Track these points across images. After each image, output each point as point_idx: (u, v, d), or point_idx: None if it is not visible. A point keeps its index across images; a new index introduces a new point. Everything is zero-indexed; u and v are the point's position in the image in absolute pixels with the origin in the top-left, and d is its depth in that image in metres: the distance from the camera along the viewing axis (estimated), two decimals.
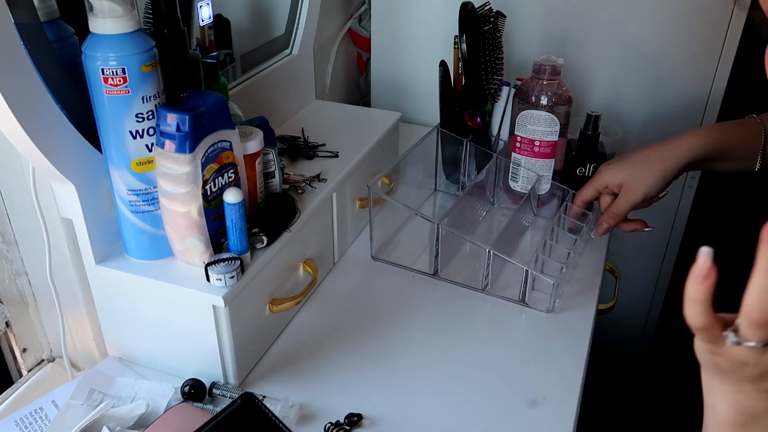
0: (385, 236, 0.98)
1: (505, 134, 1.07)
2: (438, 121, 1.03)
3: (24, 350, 0.81)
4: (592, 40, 1.14)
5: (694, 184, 1.21)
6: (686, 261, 1.30)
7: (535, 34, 1.18)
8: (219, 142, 0.65)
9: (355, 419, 0.67)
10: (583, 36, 1.15)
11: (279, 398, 0.68)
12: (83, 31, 0.59)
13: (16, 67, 0.55)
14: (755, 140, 0.79)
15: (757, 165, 0.79)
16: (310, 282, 0.80)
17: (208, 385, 0.71)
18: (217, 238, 0.68)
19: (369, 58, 1.35)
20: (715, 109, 1.13)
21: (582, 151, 0.98)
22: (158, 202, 0.66)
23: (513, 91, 1.04)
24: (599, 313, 0.88)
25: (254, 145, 0.71)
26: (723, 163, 0.82)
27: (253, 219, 0.72)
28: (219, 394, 0.70)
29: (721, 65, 1.10)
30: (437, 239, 0.86)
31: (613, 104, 1.19)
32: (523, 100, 0.94)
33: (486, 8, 0.97)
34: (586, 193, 0.88)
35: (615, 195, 0.87)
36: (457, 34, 0.96)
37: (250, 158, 0.71)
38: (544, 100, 0.92)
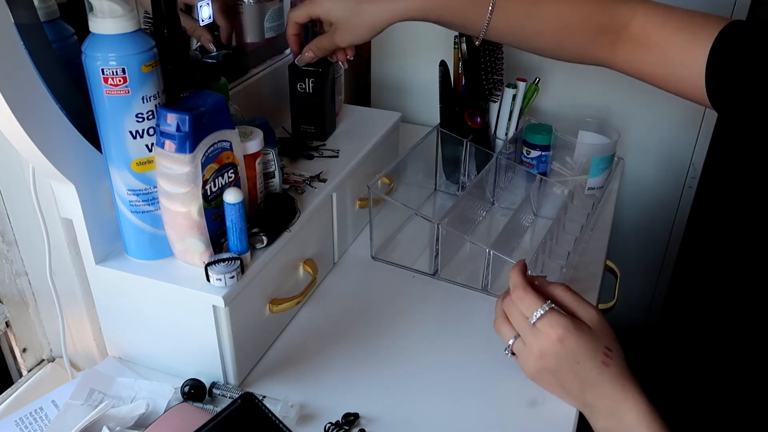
0: (385, 236, 0.98)
1: (501, 133, 1.07)
2: (438, 121, 1.03)
3: (24, 350, 0.81)
4: None
5: (694, 184, 1.21)
6: (686, 261, 1.31)
7: None
8: (219, 142, 0.65)
9: (351, 418, 0.67)
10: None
11: (279, 398, 0.68)
12: (83, 31, 0.59)
13: (16, 67, 0.55)
14: (480, 7, 0.73)
15: (478, 39, 0.75)
16: (310, 282, 0.80)
17: (207, 385, 0.71)
18: (217, 238, 0.68)
19: (369, 58, 1.35)
20: (713, 114, 1.13)
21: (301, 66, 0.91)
22: (158, 202, 0.66)
23: (511, 91, 1.04)
24: None
25: (254, 145, 0.71)
26: (442, 22, 0.77)
27: (253, 219, 0.72)
28: (219, 394, 0.70)
29: None
30: (437, 239, 0.86)
31: (610, 104, 1.19)
32: None
33: None
34: (298, 14, 0.80)
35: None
36: (457, 34, 0.96)
37: (250, 158, 0.71)
38: None
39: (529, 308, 0.65)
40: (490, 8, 0.72)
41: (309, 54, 0.83)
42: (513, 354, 0.68)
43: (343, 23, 0.77)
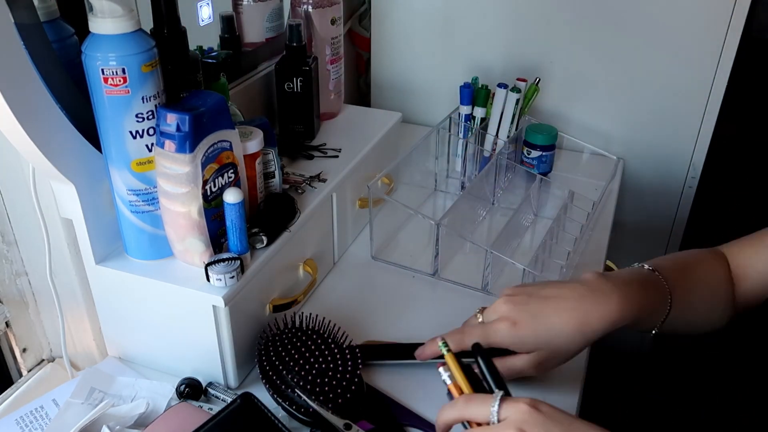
0: (385, 236, 0.98)
1: (504, 134, 1.07)
2: (438, 120, 1.03)
3: (24, 350, 0.81)
4: (590, 45, 1.14)
5: (694, 184, 1.21)
6: None
7: (533, 36, 1.17)
8: (219, 142, 0.65)
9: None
10: (582, 38, 1.15)
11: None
12: (83, 31, 0.59)
13: (16, 67, 0.55)
14: (663, 304, 0.69)
15: (655, 330, 0.71)
16: (310, 282, 0.80)
17: (204, 385, 0.71)
18: (217, 238, 0.68)
19: (369, 58, 1.35)
20: (713, 114, 1.13)
21: (288, 65, 0.91)
22: (158, 202, 0.66)
23: (515, 96, 1.04)
24: None
25: (254, 145, 0.71)
26: (631, 328, 0.69)
27: (253, 219, 0.72)
28: (213, 395, 0.71)
29: (720, 69, 1.10)
30: (437, 239, 0.86)
31: (610, 104, 1.19)
32: None
33: None
34: (468, 338, 0.65)
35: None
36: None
37: (250, 158, 0.71)
38: None
39: (482, 411, 0.53)
40: (669, 299, 0.68)
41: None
42: None
43: (539, 351, 0.65)
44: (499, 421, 0.52)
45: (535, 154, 1.08)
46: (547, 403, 0.53)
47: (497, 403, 0.53)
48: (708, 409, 0.62)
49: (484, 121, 1.07)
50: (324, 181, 0.86)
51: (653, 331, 0.70)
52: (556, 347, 0.64)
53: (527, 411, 0.52)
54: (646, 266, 0.70)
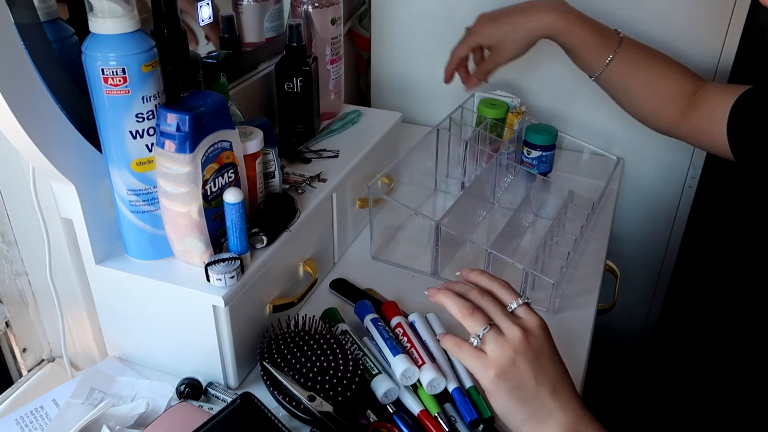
0: (385, 236, 0.98)
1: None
2: (438, 120, 1.03)
3: (24, 350, 0.81)
4: None
5: (694, 184, 1.21)
6: (686, 261, 1.30)
7: None
8: (219, 142, 0.65)
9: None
10: None
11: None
12: (83, 31, 0.59)
13: (16, 67, 0.55)
14: (605, 49, 0.88)
15: (597, 72, 0.89)
16: (310, 282, 0.80)
17: (204, 385, 0.71)
18: (217, 238, 0.68)
19: (369, 58, 1.35)
20: None
21: (288, 65, 0.92)
22: (158, 202, 0.66)
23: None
24: (599, 313, 0.88)
25: (254, 145, 0.71)
26: (569, 53, 0.92)
27: (253, 219, 0.72)
28: (213, 395, 0.71)
29: (720, 69, 1.10)
30: (437, 239, 0.86)
31: (610, 104, 1.19)
32: None
33: None
34: (461, 50, 0.95)
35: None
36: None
37: (251, 158, 0.71)
38: None
39: (509, 297, 0.61)
40: (614, 50, 0.87)
41: (475, 80, 0.97)
42: (479, 350, 0.59)
43: (501, 43, 0.90)
44: (512, 312, 0.59)
45: (535, 154, 1.08)
46: (543, 333, 0.59)
47: (522, 302, 0.60)
48: (708, 404, 0.62)
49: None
50: (324, 181, 0.86)
51: (592, 77, 0.90)
52: (508, 44, 0.91)
53: (537, 325, 0.58)
54: (618, 30, 0.90)
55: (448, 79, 0.99)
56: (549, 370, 0.57)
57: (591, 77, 0.91)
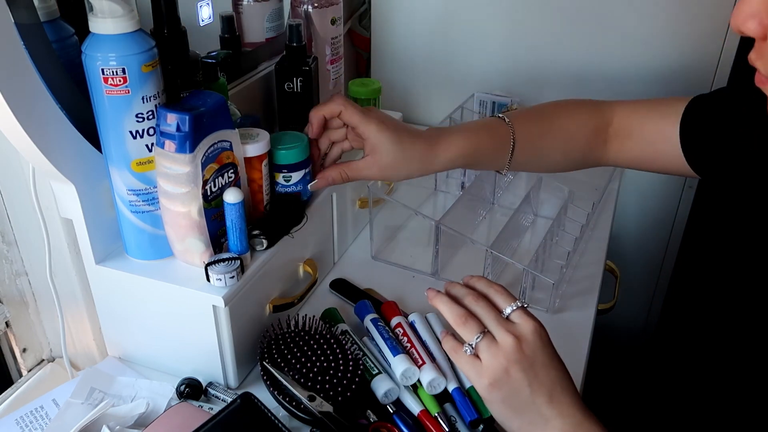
0: (385, 236, 0.98)
1: None
2: (438, 120, 1.02)
3: (24, 350, 0.81)
4: (590, 45, 1.14)
5: (694, 184, 1.21)
6: (686, 261, 1.30)
7: (534, 36, 1.17)
8: (219, 142, 0.65)
9: None
10: (582, 38, 1.15)
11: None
12: (83, 31, 0.59)
13: (16, 67, 0.55)
14: (504, 148, 0.78)
15: (504, 168, 0.80)
16: (310, 282, 0.80)
17: (204, 385, 0.71)
18: (217, 238, 0.68)
19: (369, 58, 1.35)
20: None
21: (288, 65, 0.90)
22: (158, 202, 0.66)
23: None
24: (599, 313, 0.88)
25: (261, 147, 0.71)
26: (475, 167, 0.85)
27: (258, 220, 0.72)
28: (213, 395, 0.71)
29: (720, 69, 1.10)
30: (437, 239, 0.86)
31: None
32: None
33: None
34: (351, 116, 0.73)
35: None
36: None
37: (257, 160, 0.71)
38: None
39: (505, 302, 0.60)
40: (511, 143, 0.78)
41: (329, 180, 0.76)
42: (475, 356, 0.58)
43: (386, 157, 0.73)
44: (507, 318, 0.58)
45: (296, 177, 0.81)
46: (538, 339, 0.57)
47: (516, 306, 0.59)
48: (708, 404, 0.62)
49: None
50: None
51: (504, 171, 0.81)
52: (397, 162, 0.74)
53: (532, 331, 0.57)
54: (500, 115, 0.81)
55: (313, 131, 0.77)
56: (544, 377, 0.56)
57: (502, 173, 0.82)
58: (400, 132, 0.74)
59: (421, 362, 0.69)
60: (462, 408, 0.67)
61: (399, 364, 0.69)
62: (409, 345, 0.72)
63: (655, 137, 0.77)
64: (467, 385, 0.69)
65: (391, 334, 0.73)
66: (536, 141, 0.80)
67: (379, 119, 0.73)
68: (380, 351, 0.72)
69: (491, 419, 0.66)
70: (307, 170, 0.77)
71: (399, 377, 0.68)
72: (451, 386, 0.69)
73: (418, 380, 0.69)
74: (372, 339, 0.74)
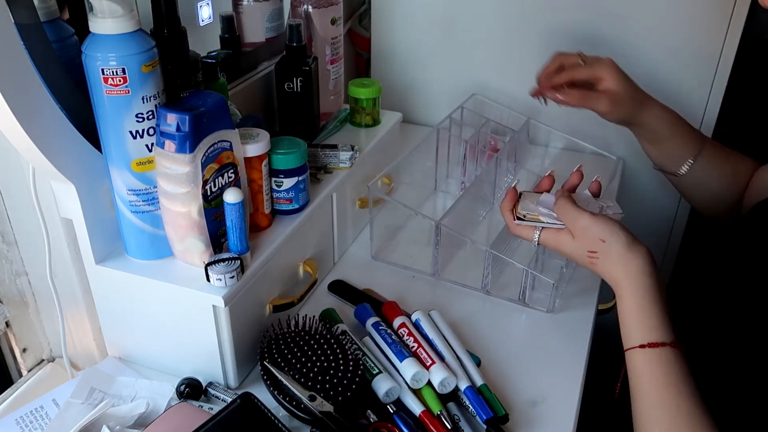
0: (385, 236, 0.98)
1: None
2: (438, 120, 1.02)
3: (24, 350, 0.81)
4: (590, 45, 1.14)
5: None
6: (686, 261, 1.30)
7: (534, 36, 1.17)
8: (219, 142, 0.65)
9: None
10: (582, 38, 1.15)
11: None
12: (83, 31, 0.59)
13: (16, 67, 0.55)
14: (693, 146, 0.90)
15: (684, 166, 0.91)
16: (310, 282, 0.80)
17: (204, 385, 0.71)
18: (217, 238, 0.68)
19: (369, 58, 1.35)
20: (713, 114, 1.13)
21: (288, 65, 0.90)
22: (158, 202, 0.66)
23: None
24: (599, 313, 0.88)
25: (261, 147, 0.71)
26: (657, 146, 0.93)
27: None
28: (213, 395, 0.71)
29: (720, 69, 1.10)
30: (437, 239, 0.86)
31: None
32: None
33: None
34: (579, 74, 0.90)
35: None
36: None
37: (257, 160, 0.71)
38: None
39: (528, 237, 0.76)
40: (699, 147, 0.90)
41: (562, 98, 0.89)
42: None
43: (620, 97, 0.87)
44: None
45: (289, 183, 0.77)
46: (557, 244, 0.74)
47: (537, 235, 0.76)
48: (709, 404, 0.62)
49: None
50: (330, 172, 0.86)
51: (680, 171, 0.91)
52: (621, 101, 0.89)
53: (551, 247, 0.75)
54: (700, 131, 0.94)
55: (538, 93, 0.93)
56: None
57: (678, 174, 0.92)
58: (628, 79, 0.90)
59: (430, 362, 0.69)
60: (476, 406, 0.67)
61: (407, 369, 0.68)
62: (415, 345, 0.72)
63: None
64: (478, 383, 0.69)
65: (394, 337, 0.73)
66: (718, 162, 0.91)
67: (613, 64, 0.89)
68: (386, 356, 0.72)
69: (506, 417, 0.67)
70: (301, 178, 0.77)
71: (409, 382, 0.68)
72: (463, 385, 0.68)
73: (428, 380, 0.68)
74: (375, 343, 0.74)
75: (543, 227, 0.75)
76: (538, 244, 0.75)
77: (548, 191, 0.79)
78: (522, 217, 0.76)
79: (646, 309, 0.68)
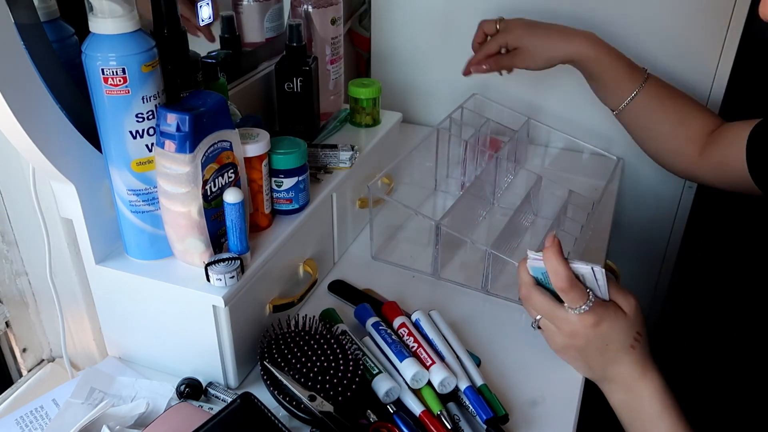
0: (385, 236, 0.98)
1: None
2: (438, 120, 1.02)
3: (24, 350, 0.81)
4: None
5: (694, 184, 1.21)
6: (686, 261, 1.30)
7: None
8: (219, 142, 0.65)
9: None
10: None
11: None
12: (83, 31, 0.59)
13: (16, 67, 0.55)
14: (632, 83, 0.91)
15: (619, 106, 0.92)
16: (310, 282, 0.80)
17: (204, 385, 0.71)
18: (217, 238, 0.68)
19: (369, 58, 1.35)
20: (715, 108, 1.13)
21: (288, 65, 0.90)
22: (158, 202, 0.66)
23: None
24: None
25: (261, 147, 0.71)
26: (596, 82, 0.95)
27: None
28: (213, 395, 0.71)
29: (720, 69, 1.10)
30: (437, 239, 0.86)
31: (608, 115, 1.19)
32: None
33: None
34: (492, 47, 0.97)
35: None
36: None
37: (257, 160, 0.71)
38: None
39: (574, 302, 0.65)
40: (640, 84, 0.90)
41: (485, 67, 0.98)
42: (539, 327, 0.71)
43: (530, 51, 0.93)
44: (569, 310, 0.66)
45: (289, 183, 0.77)
46: (613, 321, 0.66)
47: (588, 306, 0.65)
48: (709, 404, 0.62)
49: None
50: (330, 172, 0.86)
51: (615, 111, 0.93)
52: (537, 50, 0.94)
53: (587, 326, 0.65)
54: (644, 67, 0.93)
55: (468, 72, 1.01)
56: (596, 356, 0.68)
57: (614, 111, 0.94)
58: (535, 26, 0.95)
59: (430, 362, 0.69)
60: (476, 406, 0.67)
61: (408, 369, 0.68)
62: (415, 345, 0.72)
63: (726, 150, 0.84)
64: (478, 383, 0.69)
65: (394, 337, 0.73)
66: (658, 102, 0.90)
67: (516, 27, 0.94)
68: (386, 357, 0.72)
69: (506, 417, 0.67)
70: (301, 178, 0.77)
71: (409, 382, 0.68)
72: (463, 385, 0.68)
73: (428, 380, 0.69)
74: (375, 343, 0.74)
75: (594, 296, 0.66)
76: (584, 311, 0.66)
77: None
78: (583, 275, 0.65)
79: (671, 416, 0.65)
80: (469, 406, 0.67)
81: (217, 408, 0.65)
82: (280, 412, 0.65)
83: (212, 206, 0.66)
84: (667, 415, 0.64)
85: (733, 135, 0.84)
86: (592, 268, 0.64)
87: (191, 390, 0.70)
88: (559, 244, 0.65)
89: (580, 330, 0.66)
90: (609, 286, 0.66)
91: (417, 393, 0.69)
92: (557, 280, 0.64)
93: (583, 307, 0.65)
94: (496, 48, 0.97)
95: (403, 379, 0.69)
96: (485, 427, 0.66)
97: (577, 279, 0.64)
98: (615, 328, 0.66)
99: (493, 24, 0.98)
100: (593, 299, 0.65)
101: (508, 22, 0.97)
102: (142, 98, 0.60)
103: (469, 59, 1.01)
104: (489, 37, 0.99)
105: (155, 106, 0.61)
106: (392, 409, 0.67)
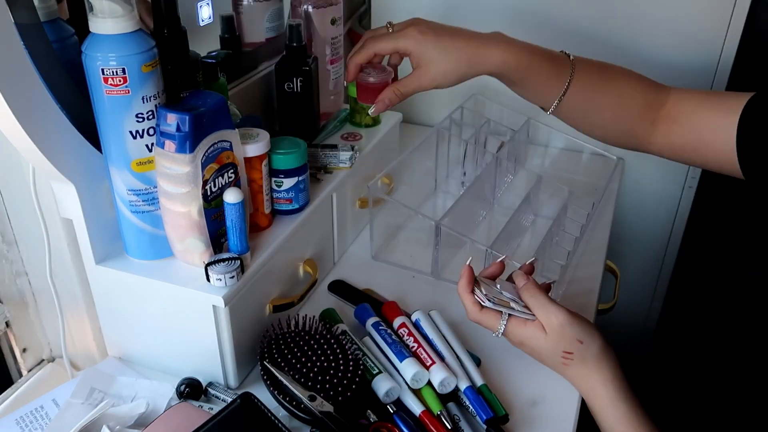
0: (385, 236, 0.98)
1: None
2: (438, 120, 1.02)
3: (24, 350, 0.81)
4: (590, 45, 1.14)
5: (694, 184, 1.21)
6: (686, 261, 1.30)
7: (534, 36, 1.17)
8: (219, 142, 0.65)
9: None
10: (582, 38, 1.15)
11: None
12: (83, 31, 0.59)
13: (16, 67, 0.55)
14: (559, 81, 0.76)
15: (551, 107, 0.77)
16: (310, 282, 0.80)
17: (204, 385, 0.71)
18: (217, 238, 0.68)
19: None
20: None
21: (288, 65, 0.90)
22: (158, 202, 0.66)
23: None
24: (599, 313, 0.88)
25: (261, 147, 0.71)
26: (519, 89, 0.79)
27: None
28: (213, 395, 0.71)
29: (717, 80, 1.10)
30: (437, 239, 0.86)
31: None
32: None
33: None
34: (384, 47, 0.76)
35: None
36: None
37: (257, 160, 0.71)
38: None
39: (491, 328, 0.69)
40: (568, 80, 0.75)
41: (387, 102, 0.78)
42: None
43: (434, 64, 0.74)
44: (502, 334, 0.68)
45: (289, 183, 0.77)
46: (533, 344, 0.67)
47: (503, 327, 0.68)
48: (709, 404, 0.62)
49: None
50: (330, 172, 0.86)
51: (548, 110, 0.78)
52: (443, 66, 0.74)
53: (516, 343, 0.66)
54: (567, 52, 0.78)
55: (351, 75, 0.81)
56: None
57: (546, 111, 0.80)
58: (441, 36, 0.74)
59: (430, 362, 0.69)
60: (476, 406, 0.67)
61: (407, 369, 0.69)
62: (415, 345, 0.72)
63: (706, 128, 0.74)
64: (478, 383, 0.69)
65: (394, 337, 0.73)
66: (592, 90, 0.78)
67: (418, 30, 0.74)
68: (386, 357, 0.72)
69: (506, 417, 0.67)
70: (301, 178, 0.76)
71: (409, 382, 0.68)
72: (463, 385, 0.68)
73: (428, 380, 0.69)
74: (375, 344, 0.74)
75: (510, 315, 0.68)
76: (502, 335, 0.69)
77: (496, 278, 0.73)
78: (484, 301, 0.68)
79: (634, 419, 0.64)
80: (469, 406, 0.67)
81: (217, 408, 0.65)
82: (280, 412, 0.65)
83: (212, 206, 0.66)
84: (625, 422, 0.64)
85: (705, 118, 0.75)
86: (502, 292, 0.69)
87: (191, 390, 0.70)
88: (469, 273, 0.70)
89: (515, 344, 0.69)
90: (532, 305, 0.67)
91: (417, 393, 0.69)
92: (467, 313, 0.70)
93: (499, 331, 0.68)
94: (391, 50, 0.77)
95: (403, 379, 0.69)
96: (485, 427, 0.66)
97: (503, 301, 0.68)
98: (536, 348, 0.67)
99: (384, 29, 0.80)
100: (505, 323, 0.68)
101: (407, 27, 0.77)
102: (142, 98, 0.60)
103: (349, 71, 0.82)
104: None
105: (155, 106, 0.61)
106: (392, 409, 0.68)
